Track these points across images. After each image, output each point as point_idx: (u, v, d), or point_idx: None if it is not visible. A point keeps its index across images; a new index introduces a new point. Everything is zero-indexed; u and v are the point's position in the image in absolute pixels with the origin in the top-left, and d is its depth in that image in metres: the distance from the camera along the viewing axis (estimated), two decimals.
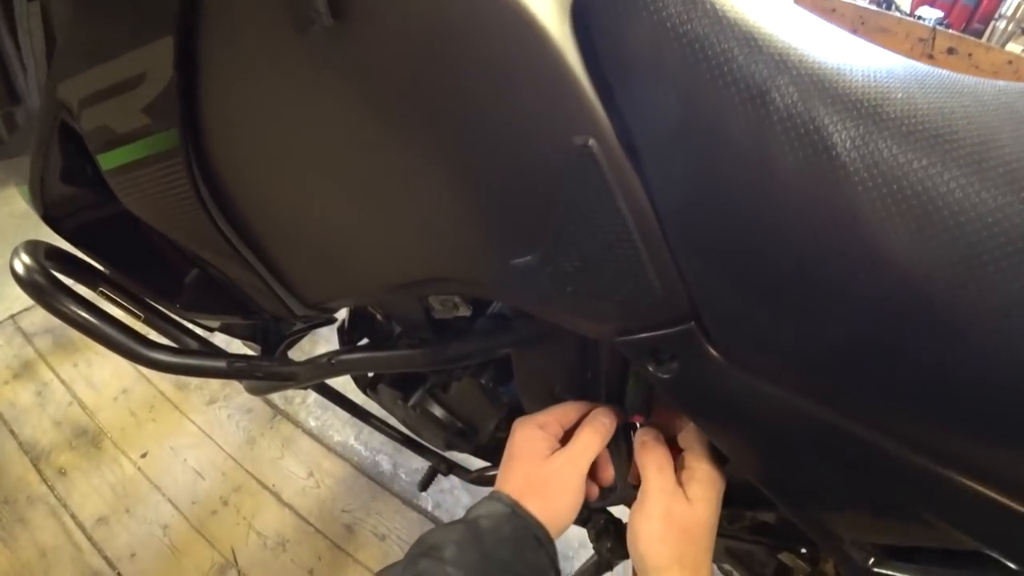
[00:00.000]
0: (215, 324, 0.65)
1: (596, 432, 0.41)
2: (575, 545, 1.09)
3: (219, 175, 0.40)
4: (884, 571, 0.34)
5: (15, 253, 0.51)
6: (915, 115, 0.25)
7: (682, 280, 0.29)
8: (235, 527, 1.22)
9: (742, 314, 0.29)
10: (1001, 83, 0.31)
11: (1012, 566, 0.29)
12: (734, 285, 0.28)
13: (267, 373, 0.57)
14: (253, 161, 0.38)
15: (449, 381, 0.64)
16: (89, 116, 0.36)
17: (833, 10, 2.01)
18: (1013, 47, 1.92)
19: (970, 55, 1.82)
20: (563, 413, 0.43)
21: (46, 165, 0.41)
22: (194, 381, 1.58)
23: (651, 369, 0.33)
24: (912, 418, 0.27)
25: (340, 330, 0.75)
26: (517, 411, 0.66)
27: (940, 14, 1.96)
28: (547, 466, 0.40)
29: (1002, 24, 1.94)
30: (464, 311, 0.46)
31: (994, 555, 0.29)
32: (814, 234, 0.25)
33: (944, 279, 0.23)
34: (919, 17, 1.99)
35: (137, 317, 0.61)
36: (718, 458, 0.40)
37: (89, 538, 1.21)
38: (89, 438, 1.43)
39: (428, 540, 0.36)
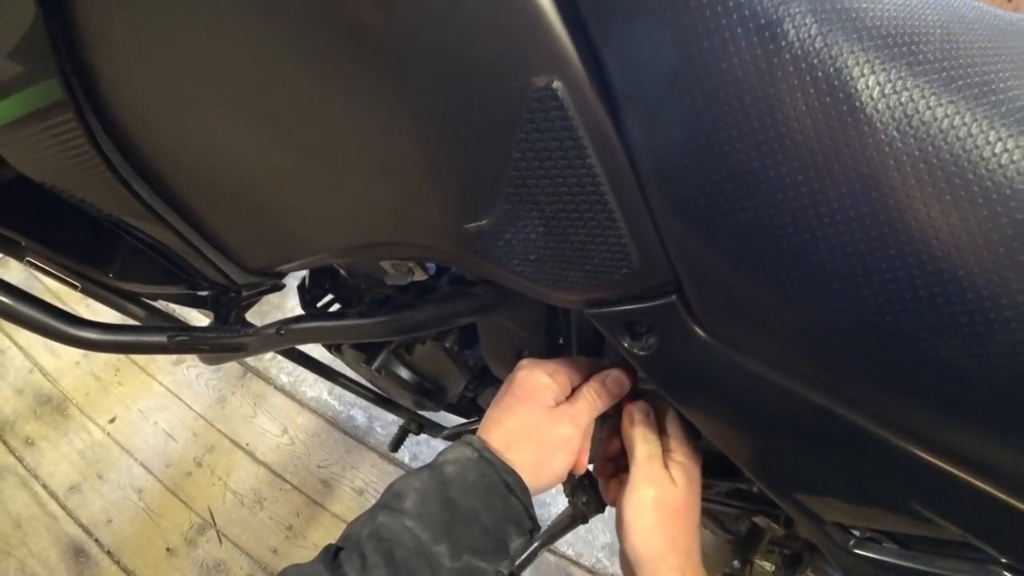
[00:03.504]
0: (152, 293, 0.59)
1: (605, 392, 0.38)
2: (552, 491, 1.10)
3: (124, 127, 0.34)
4: (865, 553, 0.33)
5: None
6: (957, 59, 0.21)
7: (662, 246, 0.25)
8: (211, 487, 1.21)
9: (730, 286, 0.25)
10: None
11: (1002, 559, 0.27)
12: (722, 252, 0.24)
13: (212, 346, 0.52)
14: (161, 106, 0.32)
15: (413, 343, 0.61)
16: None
17: None
18: None
19: None
20: (575, 366, 0.39)
21: None
22: None
23: (626, 345, 0.29)
24: (909, 406, 0.25)
25: (300, 288, 0.70)
26: (485, 373, 0.64)
27: None
28: (548, 418, 0.36)
29: None
30: (420, 276, 0.42)
31: (984, 547, 0.27)
32: (824, 197, 0.21)
33: (979, 264, 0.20)
34: None
35: (73, 287, 0.55)
36: (694, 435, 0.39)
37: (63, 507, 1.20)
38: (54, 405, 1.38)
39: (392, 488, 0.34)
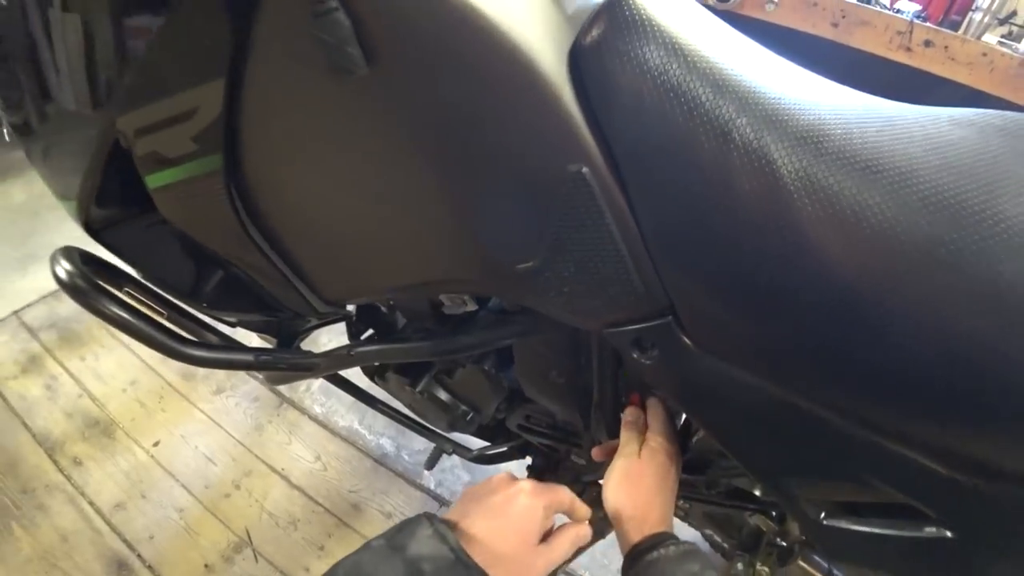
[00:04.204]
0: (236, 320, 0.70)
1: (577, 539, 0.45)
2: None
3: (252, 190, 0.45)
4: (833, 523, 0.41)
5: (55, 260, 0.55)
6: (849, 148, 0.31)
7: (660, 282, 0.35)
8: (248, 508, 1.29)
9: (710, 310, 0.35)
10: (935, 114, 0.37)
11: (932, 515, 0.35)
12: (704, 286, 0.34)
13: (290, 365, 0.62)
14: (285, 178, 0.43)
15: (454, 368, 0.70)
16: (143, 143, 0.41)
17: (815, 3, 2.04)
18: (989, 38, 1.97)
19: (946, 47, 1.87)
20: (560, 500, 0.45)
21: (94, 183, 0.46)
22: (200, 372, 1.63)
23: (635, 356, 0.39)
24: (851, 396, 0.34)
25: (348, 322, 0.80)
26: (515, 394, 0.73)
27: (918, 7, 2.00)
28: (531, 555, 0.41)
29: (978, 16, 1.99)
30: (471, 307, 0.52)
31: (919, 507, 0.35)
32: (767, 246, 0.31)
33: (870, 283, 0.30)
34: (898, 10, 2.03)
35: (160, 315, 0.66)
36: (674, 433, 0.50)
37: (108, 522, 1.27)
38: (101, 428, 1.48)
39: (362, 569, 0.35)
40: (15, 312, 1.83)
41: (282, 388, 1.59)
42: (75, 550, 1.23)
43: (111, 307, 0.54)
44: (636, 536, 0.45)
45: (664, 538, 0.45)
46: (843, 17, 1.96)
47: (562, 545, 0.44)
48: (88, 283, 0.54)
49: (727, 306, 0.34)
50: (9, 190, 2.45)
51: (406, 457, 1.41)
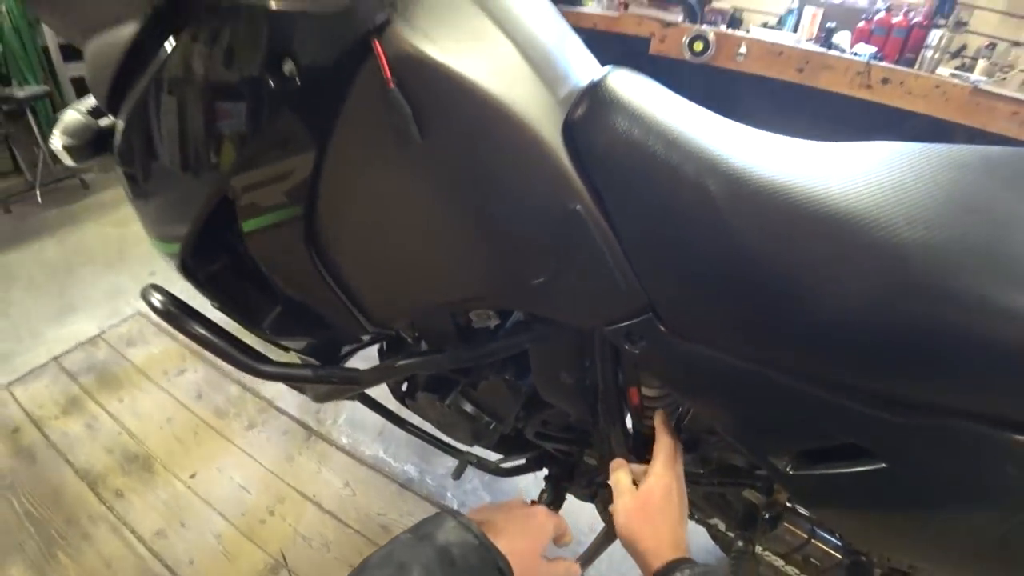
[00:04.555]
0: (290, 345, 0.82)
1: (569, 573, 0.51)
2: (585, 530, 1.24)
3: (321, 230, 0.58)
4: (798, 472, 0.50)
5: (147, 295, 0.68)
6: (774, 185, 0.43)
7: (640, 285, 0.47)
8: (282, 533, 1.37)
9: (678, 303, 0.47)
10: (831, 147, 0.50)
11: (881, 462, 0.45)
12: (672, 285, 0.46)
13: (341, 378, 0.73)
14: (348, 221, 0.56)
15: (478, 380, 0.81)
16: (246, 197, 0.53)
17: (780, 53, 2.23)
18: (943, 70, 2.14)
19: (902, 83, 2.04)
20: (561, 526, 0.53)
21: (197, 228, 0.59)
22: (232, 409, 1.73)
23: (627, 347, 0.50)
24: (795, 358, 0.45)
25: (380, 352, 0.91)
26: (532, 402, 0.83)
27: (874, 49, 2.19)
28: (536, 560, 0.47)
29: (930, 53, 2.17)
30: (495, 320, 0.63)
31: (867, 448, 0.45)
32: (713, 249, 0.43)
33: (790, 264, 0.41)
34: (856, 53, 2.22)
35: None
36: (673, 457, 0.58)
37: (149, 549, 1.36)
38: (140, 463, 1.57)
39: (394, 557, 0.38)
40: (55, 358, 1.95)
41: (310, 422, 1.69)
42: (119, 575, 1.32)
43: (198, 328, 0.66)
44: (655, 563, 0.49)
45: (680, 564, 0.47)
46: (807, 63, 2.15)
47: (559, 570, 0.49)
48: (178, 310, 0.66)
49: (690, 298, 0.46)
50: (44, 247, 2.63)
51: (429, 481, 1.50)
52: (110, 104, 0.58)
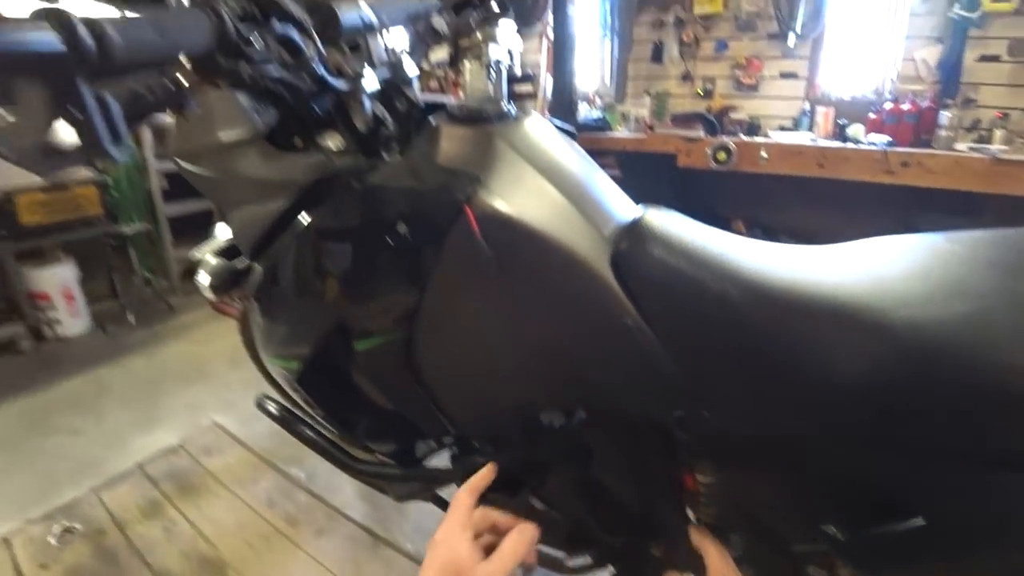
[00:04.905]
0: (380, 448, 0.92)
1: (521, 540, 0.50)
2: None
3: (417, 347, 0.71)
4: (853, 539, 0.55)
5: (263, 403, 0.81)
6: (786, 288, 0.54)
7: (685, 381, 0.57)
8: None
9: (720, 393, 0.56)
10: (832, 249, 0.60)
11: (911, 509, 0.51)
12: (713, 379, 0.56)
13: (425, 476, 0.83)
14: (442, 340, 0.69)
15: (547, 478, 0.88)
16: (361, 324, 0.68)
17: (800, 152, 2.41)
18: (960, 145, 2.25)
19: (921, 164, 2.16)
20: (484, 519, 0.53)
21: (315, 349, 0.73)
22: (302, 516, 1.81)
23: (680, 435, 0.59)
24: (832, 427, 0.52)
25: (453, 457, 1.00)
26: (600, 492, 0.89)
27: (888, 138, 2.33)
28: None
29: (943, 132, 2.29)
30: (561, 419, 0.73)
31: (910, 504, 0.51)
32: (747, 349, 0.54)
33: (805, 353, 0.51)
34: (872, 143, 2.36)
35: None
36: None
37: None
38: (214, 567, 1.64)
39: None
40: (139, 465, 2.11)
41: (376, 529, 1.74)
42: None
43: (306, 431, 0.79)
44: None
45: None
46: (825, 158, 2.31)
47: (508, 547, 0.48)
48: (291, 416, 0.79)
49: (727, 387, 0.55)
50: (134, 363, 2.89)
51: None
52: (253, 253, 0.75)
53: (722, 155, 2.47)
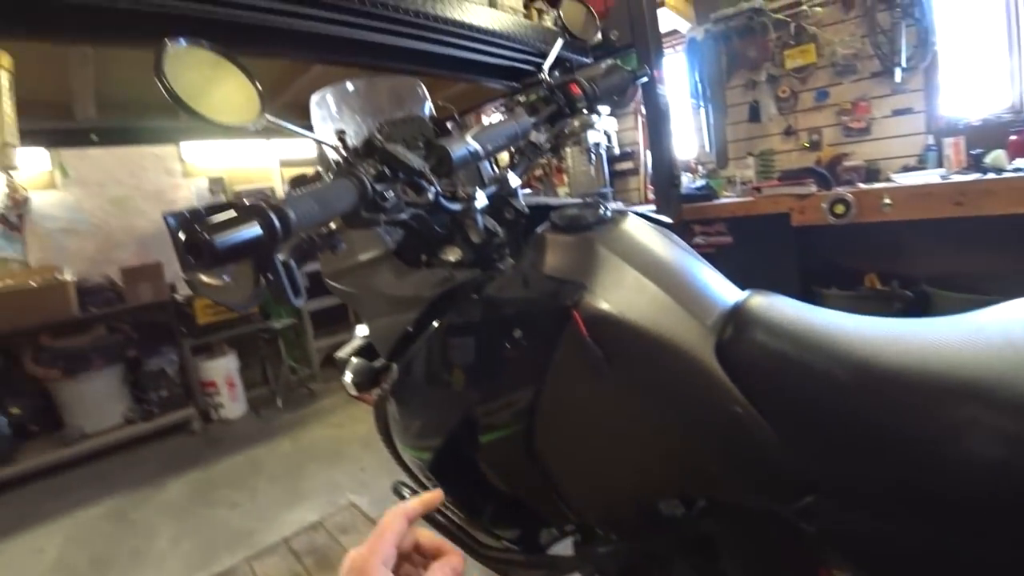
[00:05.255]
0: (506, 535, 0.96)
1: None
2: None
3: (537, 438, 0.75)
4: None
5: (399, 489, 0.89)
6: (897, 367, 0.52)
7: (804, 469, 0.56)
8: None
9: (842, 481, 0.54)
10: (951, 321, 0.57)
11: None
12: (833, 467, 0.54)
13: (547, 564, 0.85)
14: (560, 431, 0.73)
15: (668, 568, 0.86)
16: (486, 417, 0.74)
17: (929, 193, 2.19)
18: None
19: None
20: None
21: (445, 441, 0.80)
22: None
23: (804, 526, 0.57)
24: (965, 519, 0.48)
25: (576, 544, 1.01)
26: None
27: None
28: None
29: None
30: (681, 508, 0.73)
31: None
32: (862, 434, 0.52)
33: (924, 437, 0.48)
34: (1018, 169, 2.07)
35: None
36: None
37: None
38: None
39: None
40: (285, 539, 2.30)
41: None
42: None
43: (437, 516, 0.84)
44: None
45: None
46: (963, 195, 2.06)
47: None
48: None
49: (847, 474, 0.53)
50: (282, 444, 3.22)
51: None
52: (389, 356, 0.86)
53: (839, 208, 2.32)
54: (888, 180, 2.60)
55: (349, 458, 2.92)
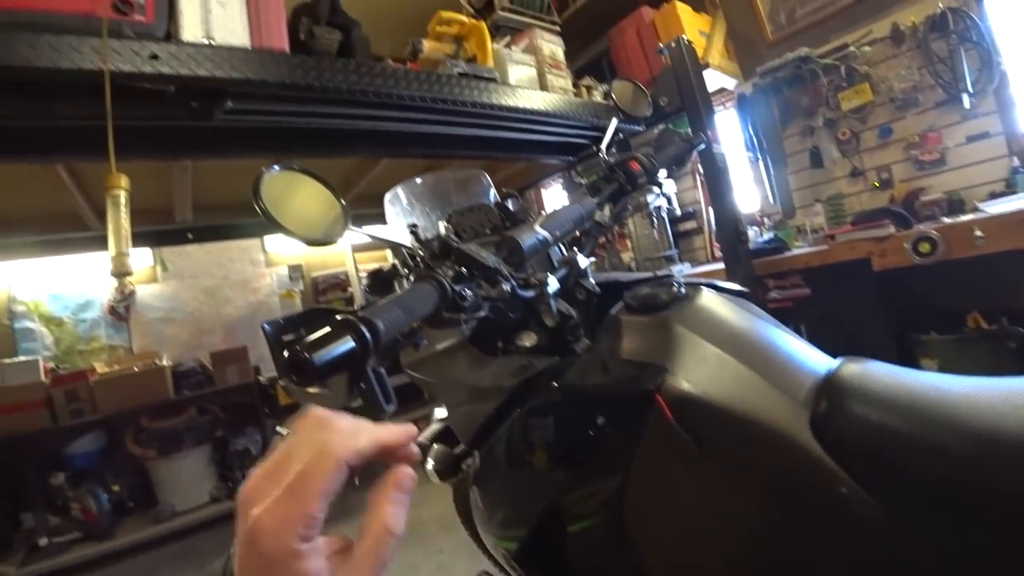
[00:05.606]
0: None
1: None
2: None
3: (626, 527, 0.72)
4: None
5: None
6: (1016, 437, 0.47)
7: (920, 553, 0.50)
8: None
9: (967, 568, 0.48)
10: None
11: None
12: (957, 553, 0.49)
13: None
14: (649, 519, 0.70)
15: None
16: (571, 506, 0.72)
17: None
18: None
19: None
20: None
21: (531, 529, 0.78)
22: None
23: None
24: None
25: None
26: None
27: None
28: None
29: None
30: None
31: None
32: (980, 512, 0.47)
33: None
34: None
35: None
36: None
37: None
38: None
39: None
40: None
41: None
42: None
43: None
44: None
45: None
46: None
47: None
48: None
49: (977, 566, 0.47)
50: (357, 523, 3.23)
51: None
52: (471, 443, 0.86)
53: (925, 246, 2.17)
54: (975, 210, 2.43)
55: (427, 539, 2.88)
